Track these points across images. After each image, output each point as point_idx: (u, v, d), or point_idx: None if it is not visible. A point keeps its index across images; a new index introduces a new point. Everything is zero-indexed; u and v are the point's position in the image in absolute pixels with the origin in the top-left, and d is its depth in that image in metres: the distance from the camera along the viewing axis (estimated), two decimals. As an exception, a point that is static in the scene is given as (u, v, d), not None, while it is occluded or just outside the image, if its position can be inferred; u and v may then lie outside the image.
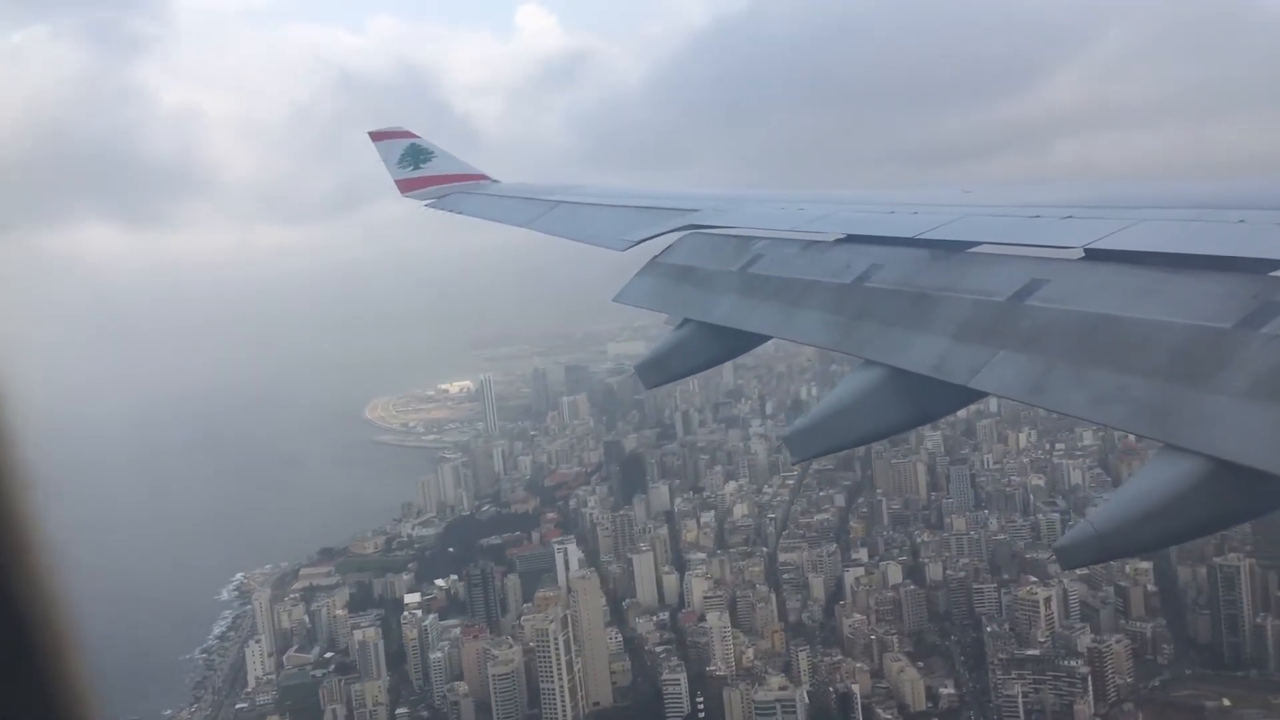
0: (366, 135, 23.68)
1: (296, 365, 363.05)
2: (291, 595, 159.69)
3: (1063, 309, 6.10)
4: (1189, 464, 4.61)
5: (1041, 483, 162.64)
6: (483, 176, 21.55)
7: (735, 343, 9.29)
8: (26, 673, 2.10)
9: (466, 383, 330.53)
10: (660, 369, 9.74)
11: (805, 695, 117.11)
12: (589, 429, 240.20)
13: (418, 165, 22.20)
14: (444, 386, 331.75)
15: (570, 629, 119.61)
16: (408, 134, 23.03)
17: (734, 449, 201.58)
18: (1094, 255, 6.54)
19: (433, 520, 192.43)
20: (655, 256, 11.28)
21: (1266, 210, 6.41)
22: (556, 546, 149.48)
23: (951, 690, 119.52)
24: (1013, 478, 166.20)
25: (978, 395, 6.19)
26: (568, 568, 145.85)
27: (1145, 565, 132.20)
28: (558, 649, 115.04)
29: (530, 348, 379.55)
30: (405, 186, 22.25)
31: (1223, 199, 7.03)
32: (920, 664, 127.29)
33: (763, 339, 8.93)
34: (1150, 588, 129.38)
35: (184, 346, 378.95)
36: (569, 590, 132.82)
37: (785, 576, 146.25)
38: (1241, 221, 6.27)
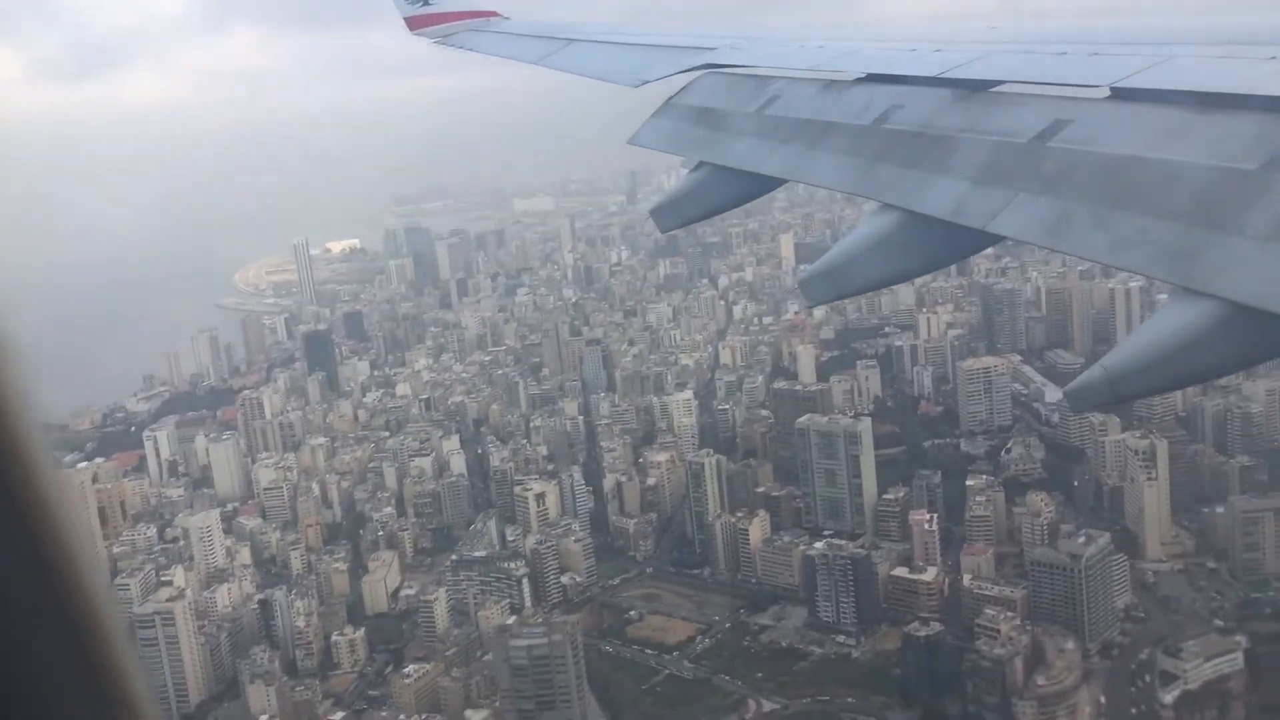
0: None
1: (209, 220, 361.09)
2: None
3: (1086, 150, 5.97)
4: (1205, 307, 4.56)
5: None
6: (493, 13, 20.82)
7: (751, 185, 9.16)
8: (83, 670, 2.03)
9: (354, 241, 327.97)
10: (675, 212, 9.67)
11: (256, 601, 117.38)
12: (395, 294, 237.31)
13: (426, 1, 21.36)
14: (329, 245, 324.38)
15: None
16: None
17: (455, 321, 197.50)
18: (1120, 94, 6.29)
19: (164, 394, 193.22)
20: (671, 97, 11.00)
21: None
22: (146, 434, 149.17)
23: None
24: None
25: (995, 239, 6.18)
26: (158, 454, 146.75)
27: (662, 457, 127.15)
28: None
29: (456, 203, 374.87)
30: (414, 24, 21.57)
31: (1258, 34, 6.69)
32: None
33: (779, 182, 8.87)
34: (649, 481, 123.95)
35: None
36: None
37: (370, 465, 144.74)
38: (1273, 58, 5.95)
